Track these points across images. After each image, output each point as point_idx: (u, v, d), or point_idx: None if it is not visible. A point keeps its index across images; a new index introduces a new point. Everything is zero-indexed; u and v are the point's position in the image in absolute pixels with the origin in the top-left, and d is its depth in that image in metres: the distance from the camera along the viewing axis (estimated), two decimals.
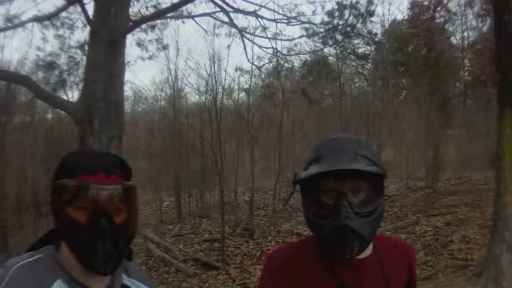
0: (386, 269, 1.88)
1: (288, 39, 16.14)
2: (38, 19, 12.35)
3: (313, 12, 16.76)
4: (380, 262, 1.88)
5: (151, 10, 14.03)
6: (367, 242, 1.79)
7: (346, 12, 15.65)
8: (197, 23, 14.74)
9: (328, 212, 1.74)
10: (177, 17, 14.49)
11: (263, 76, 24.90)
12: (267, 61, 19.84)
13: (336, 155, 1.78)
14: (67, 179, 1.67)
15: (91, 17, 9.31)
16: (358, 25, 17.21)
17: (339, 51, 20.09)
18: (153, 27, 15.66)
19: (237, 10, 13.33)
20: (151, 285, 1.99)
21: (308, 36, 16.78)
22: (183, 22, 16.60)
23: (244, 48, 15.63)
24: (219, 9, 13.29)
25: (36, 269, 1.64)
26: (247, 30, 15.33)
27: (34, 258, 1.68)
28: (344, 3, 15.62)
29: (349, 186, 1.74)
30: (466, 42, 28.61)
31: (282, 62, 18.78)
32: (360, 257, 1.81)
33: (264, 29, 15.04)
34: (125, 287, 1.83)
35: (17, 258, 1.69)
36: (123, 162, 1.81)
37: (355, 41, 20.69)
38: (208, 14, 13.80)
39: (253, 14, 13.55)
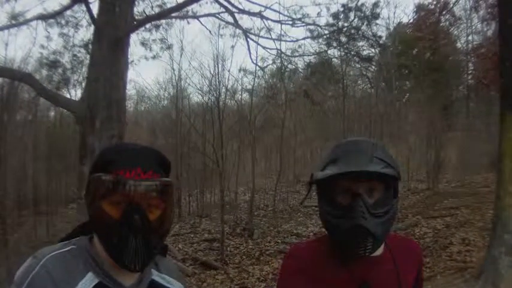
0: (398, 266, 1.93)
1: (292, 41, 16.17)
2: (42, 17, 12.35)
3: (318, 14, 16.74)
4: (393, 260, 1.93)
5: (156, 10, 14.04)
6: (380, 241, 1.84)
7: (351, 15, 15.69)
8: (202, 23, 14.90)
9: (343, 212, 1.79)
10: (182, 17, 14.49)
11: (266, 77, 24.91)
12: (270, 62, 19.93)
13: (353, 157, 1.83)
14: (103, 173, 1.63)
15: (95, 16, 9.30)
16: (363, 27, 17.26)
17: (343, 53, 20.05)
18: (157, 27, 15.67)
19: (242, 11, 13.33)
20: (182, 280, 1.95)
21: (312, 37, 16.83)
22: (188, 22, 16.65)
23: (248, 49, 15.64)
24: (224, 10, 13.30)
25: (68, 260, 1.63)
26: (252, 31, 15.35)
27: (66, 249, 1.67)
28: (349, 5, 15.66)
29: (364, 188, 1.79)
30: (470, 46, 28.63)
31: (285, 63, 18.81)
32: (373, 254, 1.85)
33: (269, 30, 15.05)
34: (155, 282, 1.81)
35: (49, 248, 1.68)
36: (163, 158, 1.78)
37: (360, 43, 20.74)
38: (213, 15, 13.82)
39: (258, 15, 13.55)
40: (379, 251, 1.90)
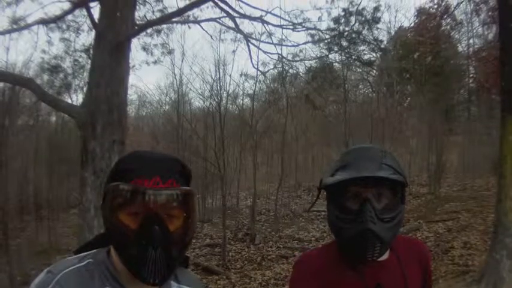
0: (405, 269, 1.97)
1: (293, 45, 16.11)
2: (44, 22, 12.34)
3: (319, 19, 16.64)
4: (399, 262, 1.98)
5: (158, 14, 14.03)
6: (387, 245, 1.90)
7: (352, 19, 15.62)
8: (203, 28, 14.74)
9: (352, 217, 1.85)
10: (183, 22, 14.49)
11: (268, 82, 24.91)
12: (272, 67, 19.86)
13: (363, 163, 1.89)
14: (120, 182, 1.57)
15: (96, 20, 9.29)
16: (364, 32, 17.20)
17: (344, 57, 20.04)
18: (158, 32, 15.64)
19: (243, 16, 13.32)
20: None
21: (313, 42, 16.78)
22: (189, 27, 16.63)
23: (250, 53, 15.68)
24: (225, 15, 13.28)
25: (84, 276, 1.58)
26: (253, 36, 15.33)
27: (83, 263, 1.62)
28: (350, 9, 15.60)
29: (373, 193, 1.85)
30: (471, 49, 28.62)
31: (287, 67, 18.77)
32: (380, 259, 1.91)
33: (270, 34, 15.03)
34: None
35: (64, 262, 1.64)
36: (183, 166, 1.73)
37: (361, 48, 20.67)
38: (214, 19, 13.79)
39: (259, 19, 13.55)
40: (385, 255, 1.94)
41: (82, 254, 1.68)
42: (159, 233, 1.52)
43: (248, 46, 14.81)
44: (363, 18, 15.79)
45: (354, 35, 16.07)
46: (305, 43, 16.64)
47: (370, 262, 1.89)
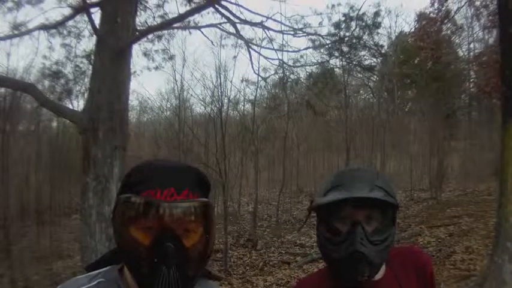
0: (402, 284, 1.96)
1: (294, 51, 16.19)
2: (44, 27, 12.37)
3: (320, 24, 16.61)
4: (395, 278, 1.97)
5: (158, 20, 14.06)
6: (377, 268, 1.87)
7: (353, 24, 15.64)
8: (204, 34, 14.85)
9: (342, 239, 1.82)
10: (183, 28, 14.51)
11: (269, 87, 24.96)
12: (273, 72, 19.89)
13: (355, 184, 1.86)
14: (131, 195, 1.46)
15: (97, 26, 9.31)
16: (365, 37, 17.22)
17: (345, 63, 20.08)
18: (159, 38, 15.65)
19: (244, 21, 13.33)
20: None
21: (314, 47, 16.79)
22: (190, 33, 16.67)
23: (251, 59, 15.62)
24: (225, 21, 13.30)
25: None
26: (254, 42, 15.31)
27: (94, 283, 1.53)
28: (351, 14, 15.62)
29: (364, 215, 1.83)
30: (472, 54, 28.68)
31: (287, 73, 18.76)
32: (376, 277, 1.90)
33: (271, 40, 15.01)
34: None
35: (75, 281, 1.56)
36: (200, 176, 1.60)
37: (362, 53, 20.75)
38: (215, 25, 13.80)
39: (260, 25, 13.55)
40: (381, 272, 1.94)
41: (93, 273, 1.60)
42: (172, 250, 1.41)
43: (249, 52, 14.82)
44: (364, 24, 15.80)
45: (354, 40, 16.09)
46: (306, 48, 16.68)
47: (364, 283, 1.85)
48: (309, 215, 2.10)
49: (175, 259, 1.41)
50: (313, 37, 15.69)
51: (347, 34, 15.90)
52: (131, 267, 1.48)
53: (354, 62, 20.04)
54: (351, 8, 15.74)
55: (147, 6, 14.16)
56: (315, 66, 21.21)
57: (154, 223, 1.42)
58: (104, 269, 1.61)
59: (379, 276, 1.93)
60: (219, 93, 20.05)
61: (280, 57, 16.03)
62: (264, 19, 13.59)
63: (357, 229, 1.79)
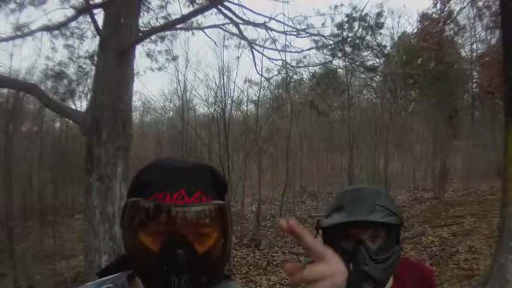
0: None
1: (297, 51, 16.13)
2: (47, 28, 12.38)
3: (323, 25, 16.59)
4: None
5: (161, 21, 14.07)
6: (383, 284, 1.93)
7: (356, 25, 15.64)
8: (207, 35, 14.81)
9: (346, 257, 1.80)
10: (186, 29, 14.50)
11: (272, 88, 24.94)
12: (276, 73, 19.87)
13: (357, 206, 1.93)
14: (138, 198, 1.36)
15: (100, 27, 9.33)
16: (368, 37, 17.23)
17: (347, 63, 20.05)
18: (162, 38, 15.65)
19: (247, 22, 13.34)
20: None
21: (317, 48, 16.78)
22: (193, 33, 16.64)
23: (254, 59, 15.58)
24: (228, 21, 13.31)
25: None
26: (257, 42, 15.31)
27: None
28: (353, 15, 15.61)
29: (368, 234, 1.91)
30: (474, 54, 28.65)
31: (291, 74, 18.74)
32: None
33: (274, 40, 15.00)
34: None
35: (83, 286, 1.49)
36: (215, 175, 1.47)
37: (364, 53, 20.77)
38: (218, 26, 13.83)
39: (263, 26, 13.57)
40: (389, 283, 2.00)
41: (103, 279, 1.51)
42: (183, 258, 1.30)
43: (252, 52, 14.84)
44: (366, 24, 15.80)
45: (357, 41, 16.09)
46: (309, 49, 16.63)
47: None
48: (316, 234, 2.10)
49: (186, 267, 1.30)
50: (316, 38, 15.71)
51: (350, 35, 15.91)
52: (140, 274, 1.40)
53: (357, 63, 20.05)
54: (354, 8, 15.74)
55: (150, 7, 14.17)
56: (318, 66, 21.22)
57: (163, 228, 1.32)
58: (115, 275, 1.53)
59: (388, 286, 1.98)
60: (222, 93, 20.04)
61: (283, 58, 15.99)
62: (267, 20, 13.63)
63: (360, 249, 1.85)
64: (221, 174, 1.51)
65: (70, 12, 12.26)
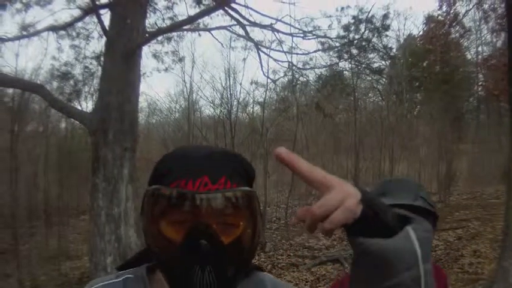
0: None
1: (303, 53, 16.12)
2: (53, 28, 12.41)
3: (329, 27, 16.53)
4: None
5: (168, 22, 14.07)
6: None
7: (362, 27, 15.63)
8: (213, 36, 14.80)
9: None
10: (193, 30, 14.51)
11: (278, 90, 24.90)
12: (282, 75, 19.85)
13: (401, 193, 2.04)
14: (160, 185, 1.27)
15: (107, 27, 9.33)
16: (374, 39, 17.21)
17: (354, 65, 20.04)
18: (169, 39, 15.66)
19: (253, 24, 13.35)
20: None
21: (324, 50, 16.78)
22: (199, 35, 16.63)
23: (260, 61, 15.57)
24: (235, 23, 13.34)
25: None
26: (263, 44, 15.31)
27: (120, 279, 1.39)
28: (360, 17, 15.60)
29: None
30: (480, 57, 28.64)
31: (297, 75, 18.73)
32: None
33: (280, 42, 14.99)
34: None
35: (101, 278, 1.42)
36: (240, 162, 1.39)
37: (370, 56, 20.71)
38: (225, 27, 13.84)
39: (269, 27, 13.58)
40: None
41: (123, 271, 1.44)
42: (207, 249, 1.21)
43: (258, 54, 14.85)
44: (373, 26, 15.80)
45: (363, 43, 16.09)
46: (315, 51, 16.62)
47: None
48: None
49: (210, 258, 1.22)
50: (323, 39, 15.71)
51: (356, 37, 15.91)
52: (162, 266, 1.31)
53: (363, 65, 20.04)
54: (360, 10, 15.73)
55: (157, 8, 14.18)
56: (324, 68, 21.18)
57: (186, 217, 1.23)
58: (135, 268, 1.45)
59: None
60: (228, 95, 20.05)
61: (290, 60, 15.96)
62: (274, 21, 13.65)
63: None
64: (247, 161, 1.44)
65: (76, 13, 12.31)
